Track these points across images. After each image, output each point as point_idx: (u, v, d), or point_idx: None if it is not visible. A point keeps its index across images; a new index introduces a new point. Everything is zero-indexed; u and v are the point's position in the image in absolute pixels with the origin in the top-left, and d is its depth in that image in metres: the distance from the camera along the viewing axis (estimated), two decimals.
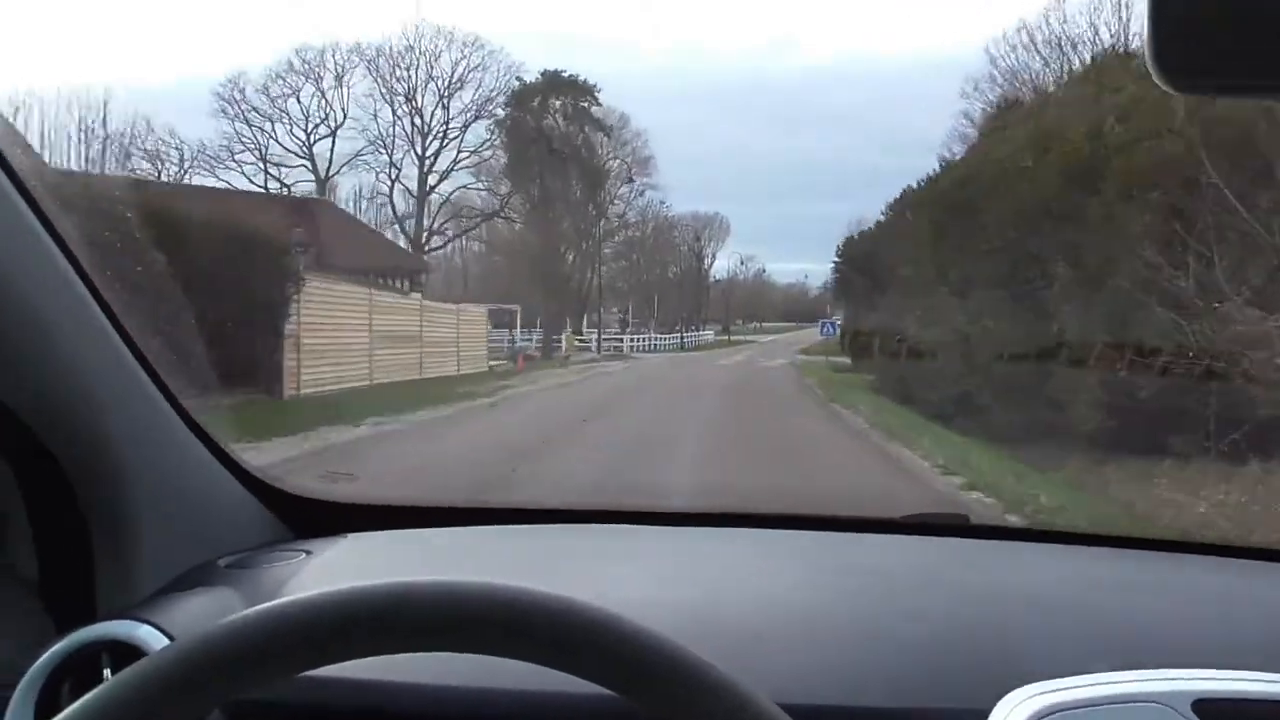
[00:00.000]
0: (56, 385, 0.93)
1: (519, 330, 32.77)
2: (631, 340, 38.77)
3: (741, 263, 66.13)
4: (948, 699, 0.80)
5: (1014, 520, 4.61)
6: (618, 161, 44.69)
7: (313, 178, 28.75)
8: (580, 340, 32.28)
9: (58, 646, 0.85)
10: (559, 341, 30.03)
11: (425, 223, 32.89)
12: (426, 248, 32.51)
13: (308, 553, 1.16)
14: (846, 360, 19.90)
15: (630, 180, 41.79)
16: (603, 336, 37.41)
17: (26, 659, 0.84)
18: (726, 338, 54.75)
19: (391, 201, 33.25)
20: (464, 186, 33.31)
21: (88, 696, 0.54)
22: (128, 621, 0.88)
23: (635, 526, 1.38)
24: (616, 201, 54.17)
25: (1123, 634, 0.94)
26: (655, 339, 45.22)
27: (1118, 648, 0.81)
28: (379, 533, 1.25)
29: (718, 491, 6.04)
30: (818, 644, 0.91)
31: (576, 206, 40.32)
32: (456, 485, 6.66)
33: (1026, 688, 0.72)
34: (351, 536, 1.23)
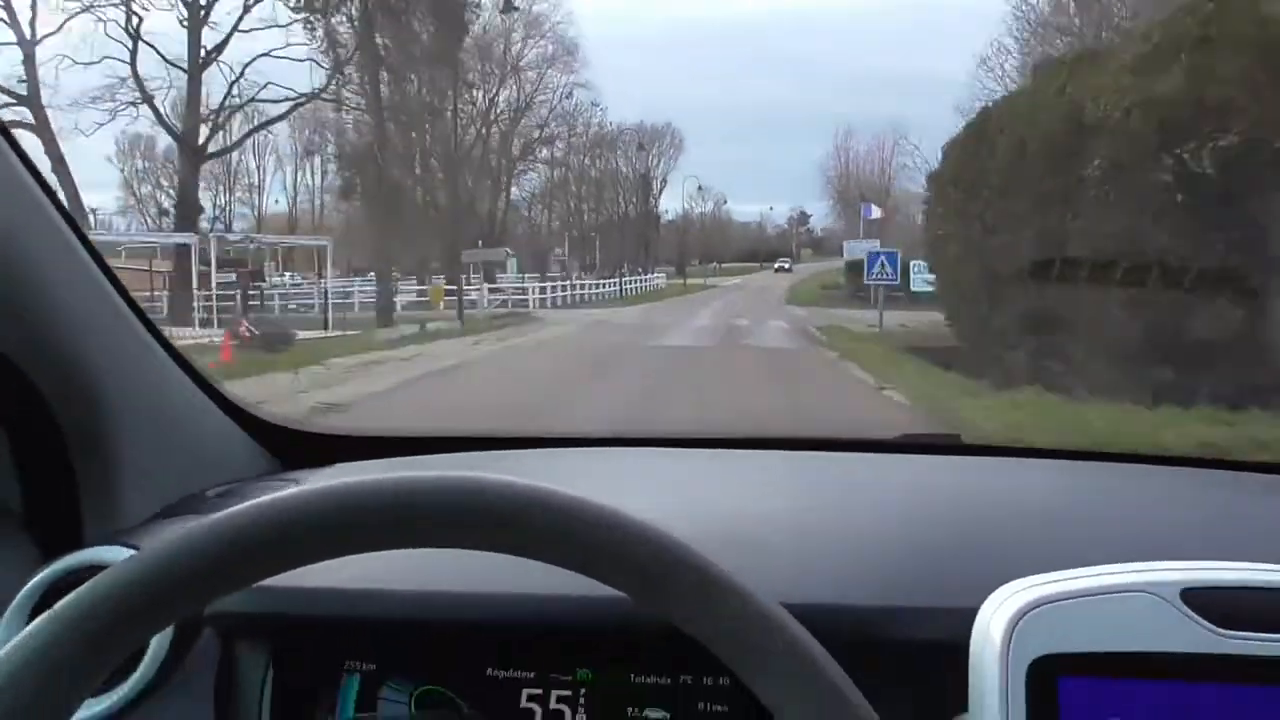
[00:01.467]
0: (36, 316, 0.95)
1: (353, 279, 26.27)
2: (548, 292, 31.35)
3: (699, 188, 55.46)
4: (938, 597, 0.84)
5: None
6: (528, 42, 35.72)
7: None
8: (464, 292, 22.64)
9: (42, 574, 0.88)
10: (426, 295, 23.32)
11: (212, 115, 23.27)
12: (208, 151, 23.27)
13: (296, 483, 1.13)
14: (880, 317, 15.41)
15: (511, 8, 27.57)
16: (505, 287, 30.23)
17: (13, 589, 0.88)
18: (681, 281, 49.40)
19: (136, 75, 22.32)
20: (268, 54, 22.66)
21: (59, 604, 0.54)
22: (115, 547, 0.91)
23: (633, 449, 1.43)
24: (534, 104, 40.78)
25: (1112, 536, 0.98)
26: (581, 289, 37.14)
27: (1106, 548, 0.83)
28: (369, 461, 1.25)
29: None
30: (811, 551, 0.96)
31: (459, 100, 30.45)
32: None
33: (1014, 583, 0.75)
34: (340, 466, 1.24)
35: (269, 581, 0.58)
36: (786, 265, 59.50)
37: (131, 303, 1.07)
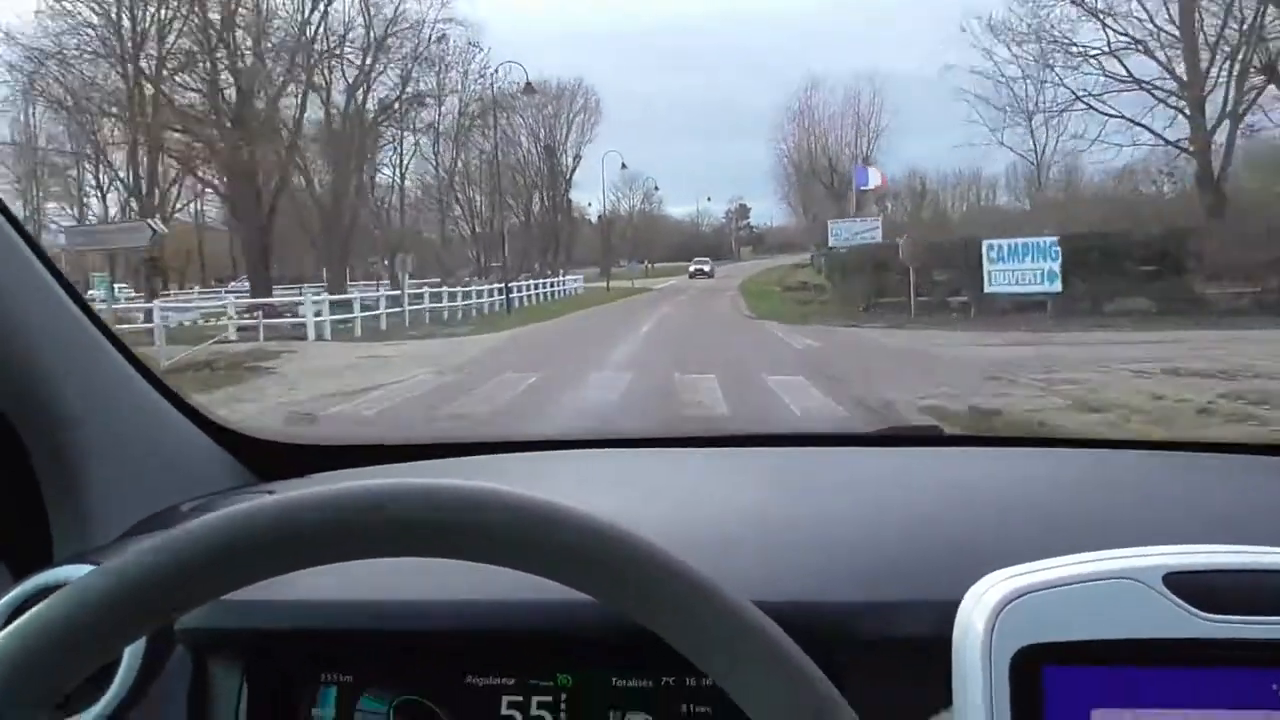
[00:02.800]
0: None
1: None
2: (381, 305, 22.67)
3: (623, 167, 44.85)
4: (918, 591, 0.85)
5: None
6: None
7: None
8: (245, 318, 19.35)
9: (12, 593, 0.89)
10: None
11: None
12: None
13: (271, 494, 1.13)
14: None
15: None
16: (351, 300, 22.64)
17: None
18: (605, 285, 44.27)
19: None
20: None
21: (16, 622, 0.55)
22: (84, 565, 0.91)
23: (602, 450, 1.46)
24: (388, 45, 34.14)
25: (1093, 523, 1.01)
26: (453, 298, 27.49)
27: (1087, 535, 0.84)
28: (343, 470, 1.28)
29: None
30: (786, 547, 0.98)
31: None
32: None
33: (995, 574, 0.76)
34: (315, 477, 1.26)
35: (241, 595, 0.59)
36: (705, 267, 53.93)
37: (93, 316, 1.11)
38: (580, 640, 0.84)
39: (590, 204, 57.06)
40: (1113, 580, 0.71)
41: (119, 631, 0.56)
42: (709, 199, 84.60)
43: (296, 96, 29.55)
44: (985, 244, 18.49)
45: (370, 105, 34.13)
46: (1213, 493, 1.15)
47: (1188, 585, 0.70)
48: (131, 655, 0.85)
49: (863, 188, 32.70)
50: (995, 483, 1.19)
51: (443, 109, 37.58)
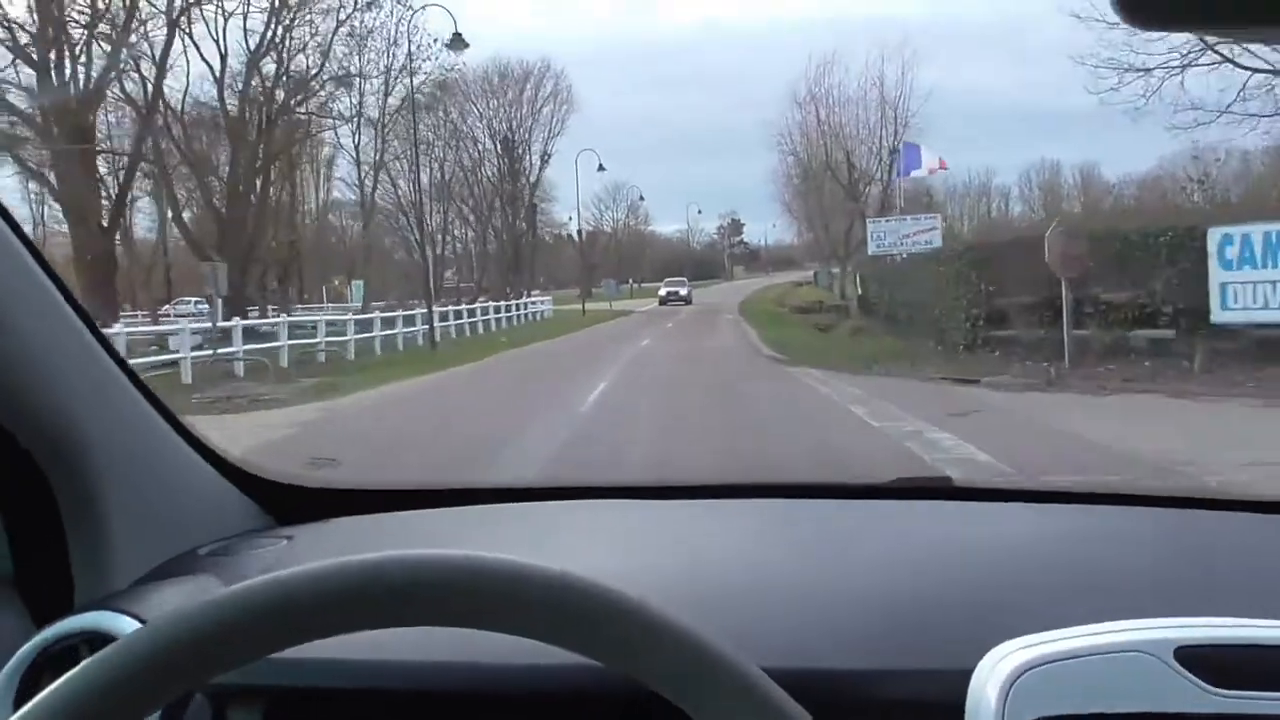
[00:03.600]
0: (26, 377, 0.99)
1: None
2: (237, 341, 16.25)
3: (599, 169, 37.59)
4: (931, 659, 0.85)
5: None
6: None
7: None
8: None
9: (35, 640, 0.91)
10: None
11: None
12: None
13: (289, 539, 1.23)
14: None
15: None
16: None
17: (4, 655, 0.91)
18: (580, 308, 38.17)
19: None
20: None
21: (58, 682, 0.56)
22: (106, 612, 0.93)
23: (617, 501, 1.47)
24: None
25: (1104, 586, 1.00)
26: (344, 332, 19.95)
27: (1099, 600, 0.88)
28: (362, 517, 1.32)
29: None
30: (797, 609, 0.97)
31: None
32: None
33: (1008, 643, 0.77)
34: (334, 522, 1.30)
35: None
36: (680, 290, 44.99)
37: (120, 360, 1.14)
38: (592, 701, 0.84)
39: (570, 218, 49.82)
40: (1124, 654, 0.73)
41: (161, 690, 0.57)
42: (699, 211, 79.70)
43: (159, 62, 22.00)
44: (1216, 234, 10.33)
45: (279, 90, 25.95)
46: (1225, 554, 1.13)
47: (1199, 660, 0.71)
48: None
49: (913, 171, 24.87)
50: (1005, 540, 1.19)
51: (377, 92, 29.81)
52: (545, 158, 38.83)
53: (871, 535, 1.22)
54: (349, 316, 20.90)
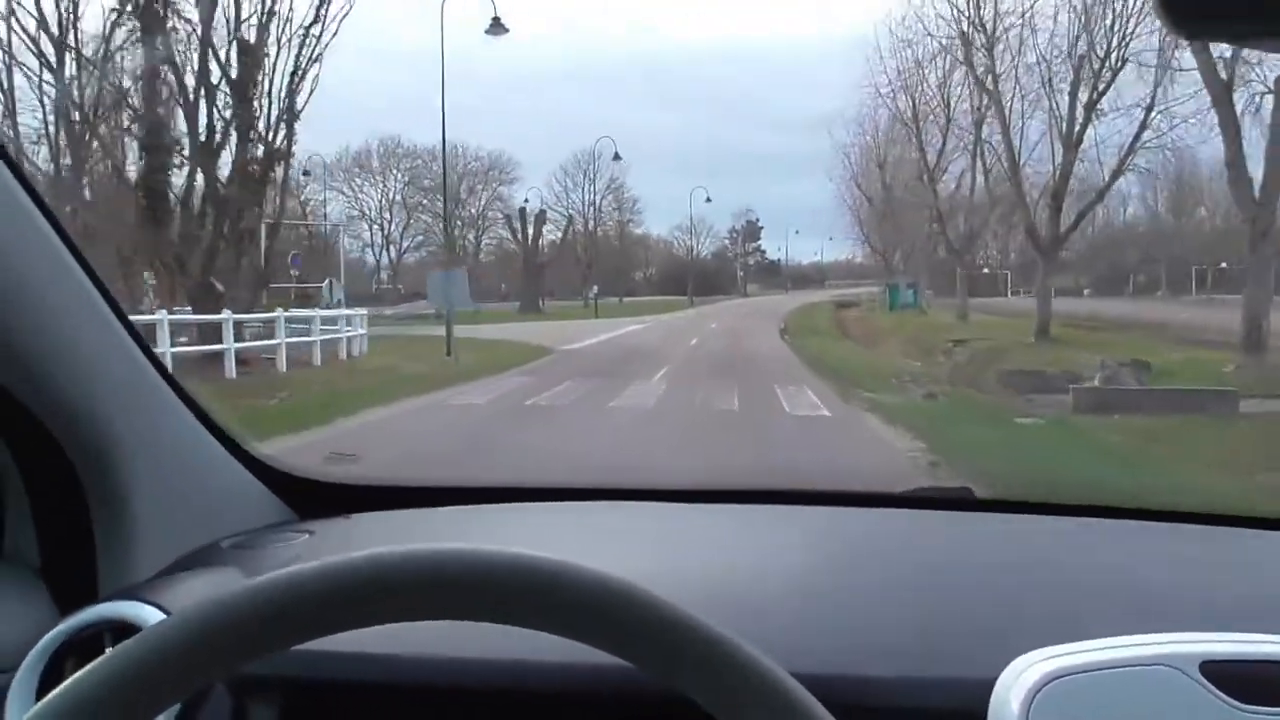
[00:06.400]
0: (56, 367, 1.01)
1: None
2: None
3: (617, 156, 37.60)
4: (954, 668, 0.86)
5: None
6: None
7: None
8: None
9: (59, 628, 0.93)
10: None
11: None
12: None
13: (311, 533, 1.26)
14: None
15: None
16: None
17: (30, 642, 0.92)
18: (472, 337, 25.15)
19: None
20: None
21: (82, 671, 0.58)
22: (130, 602, 0.95)
23: (640, 503, 1.48)
24: None
25: (1128, 600, 1.00)
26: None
27: (1123, 614, 0.87)
28: (383, 513, 1.34)
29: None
30: (822, 616, 0.98)
31: None
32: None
33: (1032, 654, 0.77)
34: (355, 517, 1.32)
35: None
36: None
37: (149, 352, 1.14)
38: (615, 702, 0.83)
39: (527, 198, 44.71)
40: (1149, 666, 0.71)
41: (186, 680, 0.59)
42: (708, 199, 66.33)
43: None
44: None
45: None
46: (1252, 569, 1.12)
47: (1225, 674, 0.71)
48: None
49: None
50: (1027, 552, 1.19)
51: None
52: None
53: (893, 544, 1.24)
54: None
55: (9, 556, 1.08)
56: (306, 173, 38.43)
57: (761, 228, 68.78)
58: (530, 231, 43.80)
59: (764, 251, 71.04)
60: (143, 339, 1.14)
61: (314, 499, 1.33)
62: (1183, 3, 0.49)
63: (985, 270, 29.30)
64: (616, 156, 43.03)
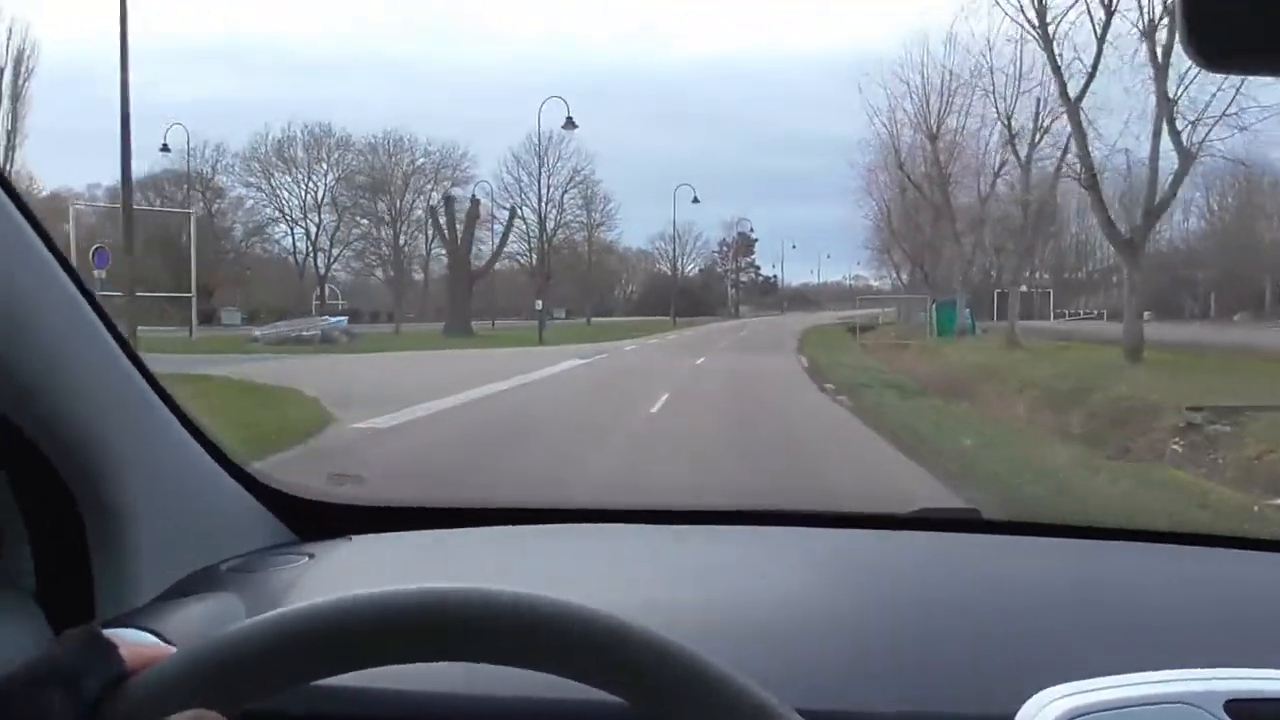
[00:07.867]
0: (50, 387, 0.99)
1: None
2: None
3: (580, 132, 36.43)
4: (971, 703, 0.83)
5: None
6: None
7: None
8: None
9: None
10: None
11: None
12: None
13: (311, 556, 1.25)
14: None
15: None
16: None
17: None
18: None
19: None
20: None
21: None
22: (129, 630, 0.93)
23: (642, 526, 1.46)
24: None
25: (1148, 631, 0.99)
26: None
27: (1143, 645, 0.86)
28: (383, 535, 1.34)
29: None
30: (830, 646, 0.96)
31: None
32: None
33: (1053, 689, 0.75)
34: (355, 539, 1.32)
35: None
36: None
37: (145, 372, 1.13)
38: None
39: (460, 189, 37.61)
40: (1171, 705, 0.70)
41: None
42: (695, 199, 56.50)
43: None
44: None
45: None
46: (1273, 596, 1.09)
47: (1251, 714, 0.69)
48: None
49: None
50: (1038, 578, 1.16)
51: None
52: None
53: (898, 568, 1.22)
54: None
55: (4, 581, 1.06)
56: (165, 148, 34.87)
57: (756, 239, 64.37)
58: (459, 229, 32.25)
59: (759, 268, 66.95)
60: (138, 357, 1.12)
61: (313, 520, 1.32)
62: (1211, 40, 0.51)
63: (1024, 289, 28.75)
64: (570, 123, 31.33)
